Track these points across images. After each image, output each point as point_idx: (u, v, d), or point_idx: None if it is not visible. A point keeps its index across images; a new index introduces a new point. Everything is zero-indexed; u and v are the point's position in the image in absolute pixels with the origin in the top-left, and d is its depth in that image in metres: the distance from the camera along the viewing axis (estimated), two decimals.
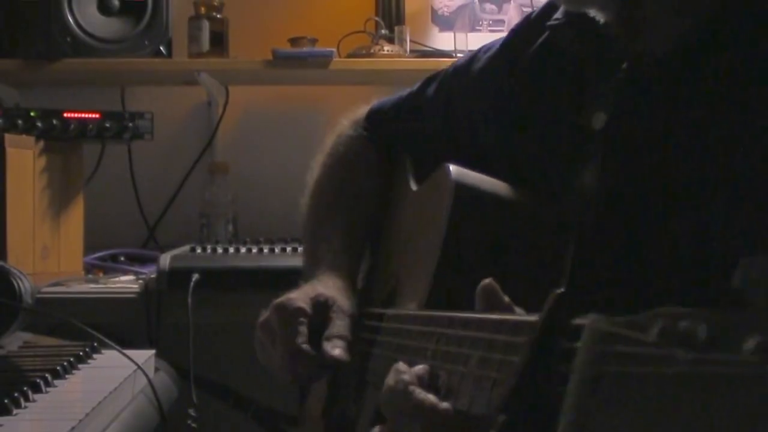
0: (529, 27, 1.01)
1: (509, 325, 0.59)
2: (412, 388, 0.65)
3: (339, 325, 0.96)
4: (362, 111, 1.23)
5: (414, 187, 1.07)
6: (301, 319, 0.96)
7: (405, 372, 0.67)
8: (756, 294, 0.35)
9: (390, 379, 0.67)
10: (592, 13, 0.86)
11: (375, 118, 1.21)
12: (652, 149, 0.80)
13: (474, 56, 1.08)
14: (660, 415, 0.36)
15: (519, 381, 0.52)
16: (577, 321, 0.48)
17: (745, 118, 0.74)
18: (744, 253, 0.36)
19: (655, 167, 0.80)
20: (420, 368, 0.68)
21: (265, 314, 1.00)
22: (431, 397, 0.64)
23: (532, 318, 0.54)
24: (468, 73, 1.07)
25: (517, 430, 0.51)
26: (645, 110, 0.82)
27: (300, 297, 0.99)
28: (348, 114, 1.24)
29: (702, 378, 0.34)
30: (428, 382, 0.67)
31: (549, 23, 0.94)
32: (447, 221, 0.88)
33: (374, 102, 1.23)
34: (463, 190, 0.89)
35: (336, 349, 0.94)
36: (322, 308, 0.98)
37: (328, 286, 1.02)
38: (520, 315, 0.64)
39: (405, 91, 1.18)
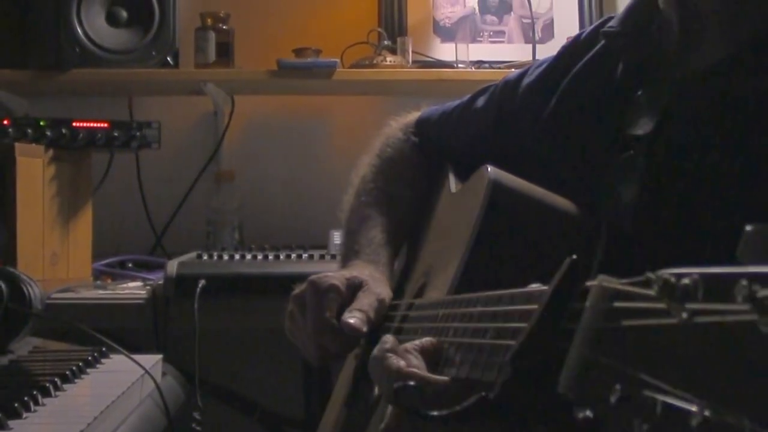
0: (577, 46, 1.03)
1: (524, 296, 0.62)
2: (387, 354, 0.71)
3: (363, 301, 0.98)
4: (412, 116, 1.26)
5: (453, 189, 1.08)
6: (333, 295, 0.98)
7: (387, 342, 0.73)
8: (752, 255, 0.38)
9: (375, 348, 0.73)
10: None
11: (423, 125, 1.23)
12: (696, 156, 0.82)
13: (525, 71, 1.10)
14: (658, 364, 0.38)
15: (527, 339, 0.53)
16: (588, 284, 0.50)
17: None
18: None
19: (698, 174, 0.81)
20: (426, 340, 0.73)
21: (300, 287, 1.02)
22: (401, 363, 0.70)
23: (546, 287, 0.56)
24: (518, 87, 1.09)
25: (520, 385, 0.53)
26: (693, 118, 0.83)
27: (335, 276, 1.01)
28: (397, 117, 1.27)
29: (699, 328, 0.36)
30: (432, 353, 0.72)
31: (603, 30, 0.96)
32: (480, 219, 0.88)
33: (423, 109, 1.26)
34: (498, 189, 0.90)
35: (352, 319, 0.95)
36: (355, 290, 1.00)
37: (363, 273, 1.04)
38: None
39: (454, 102, 1.20)
